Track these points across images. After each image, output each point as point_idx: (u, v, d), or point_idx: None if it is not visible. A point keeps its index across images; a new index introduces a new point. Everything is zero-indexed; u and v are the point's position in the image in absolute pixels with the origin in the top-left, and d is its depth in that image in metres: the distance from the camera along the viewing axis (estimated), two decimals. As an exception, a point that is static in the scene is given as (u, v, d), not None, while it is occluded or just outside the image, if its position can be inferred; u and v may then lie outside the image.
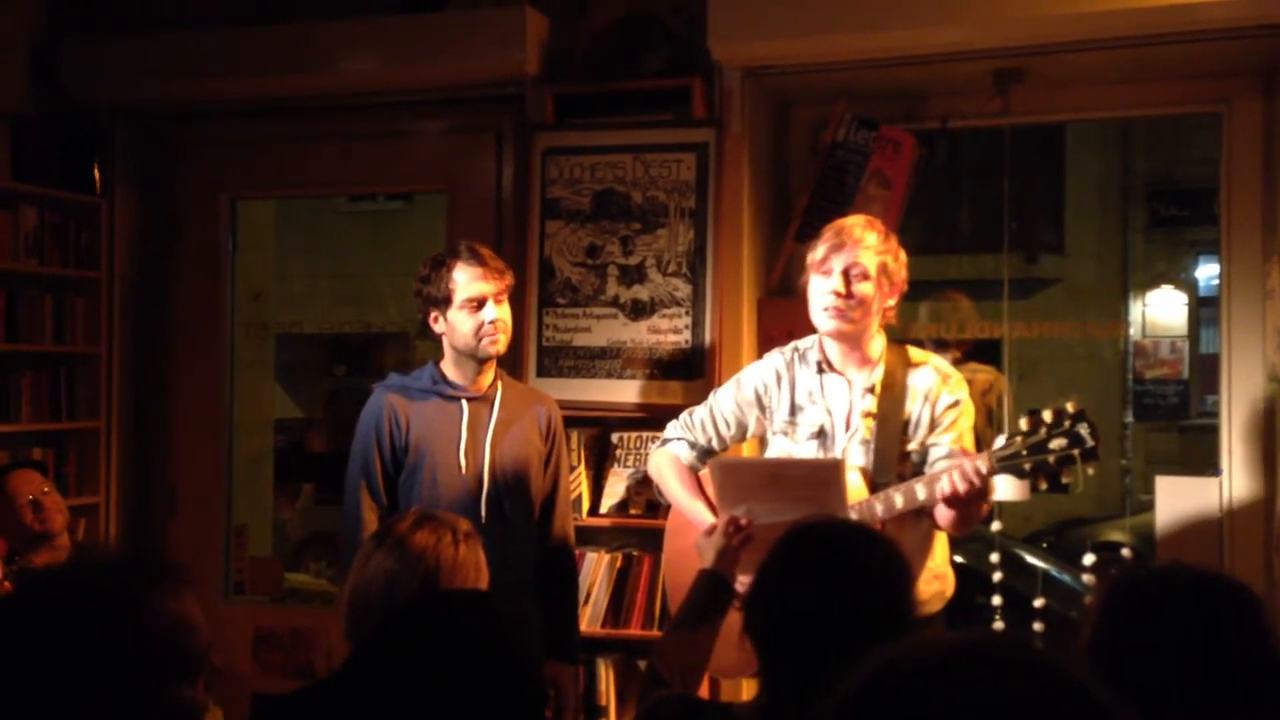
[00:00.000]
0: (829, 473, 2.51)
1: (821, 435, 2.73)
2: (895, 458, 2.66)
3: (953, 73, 3.46)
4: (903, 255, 2.70)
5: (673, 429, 2.96)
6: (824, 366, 2.75)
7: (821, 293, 2.65)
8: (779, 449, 2.79)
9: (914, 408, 2.68)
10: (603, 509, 3.53)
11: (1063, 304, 9.93)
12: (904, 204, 3.47)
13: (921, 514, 2.58)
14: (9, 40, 4.10)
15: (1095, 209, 10.71)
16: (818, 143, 3.60)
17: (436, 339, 2.98)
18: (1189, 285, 10.82)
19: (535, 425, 3.01)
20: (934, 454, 2.67)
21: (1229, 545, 3.36)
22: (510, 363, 3.37)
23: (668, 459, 2.91)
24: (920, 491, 2.50)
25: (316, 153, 4.22)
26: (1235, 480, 3.38)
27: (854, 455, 2.67)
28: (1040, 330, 3.92)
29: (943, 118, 3.60)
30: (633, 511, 3.50)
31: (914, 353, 2.76)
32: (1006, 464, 2.42)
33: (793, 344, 2.85)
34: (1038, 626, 3.50)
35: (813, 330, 2.76)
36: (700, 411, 2.92)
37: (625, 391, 3.52)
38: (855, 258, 2.61)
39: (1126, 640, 1.53)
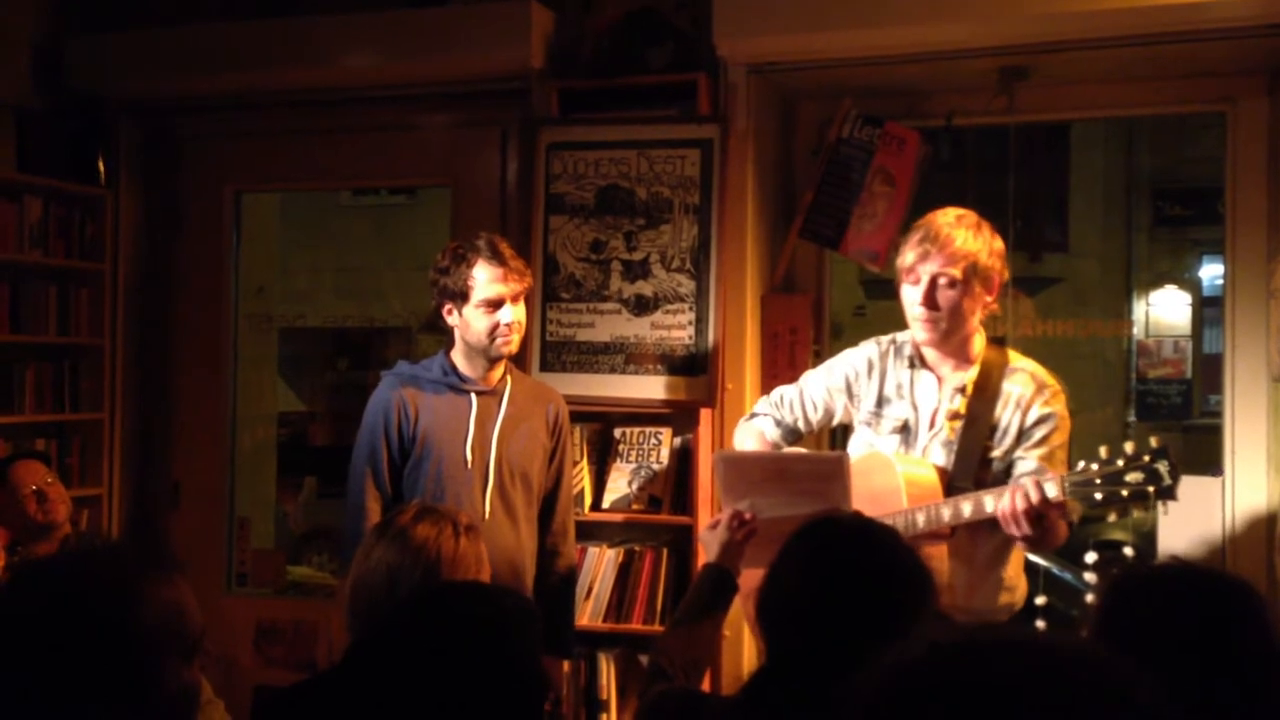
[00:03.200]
0: (833, 467, 2.50)
1: (905, 430, 2.66)
2: (977, 462, 2.56)
3: (958, 70, 3.46)
4: (998, 245, 2.60)
5: (762, 405, 2.93)
6: (916, 361, 2.67)
7: (911, 303, 2.57)
8: (863, 439, 2.73)
9: (1004, 414, 2.57)
10: (605, 504, 3.53)
11: (1066, 302, 9.92)
12: (908, 201, 3.47)
13: (996, 525, 2.46)
14: (14, 34, 4.11)
15: (1099, 207, 10.70)
16: (821, 141, 3.59)
17: (448, 330, 2.98)
18: (1193, 284, 10.81)
19: (543, 421, 3.02)
20: (1019, 469, 2.55)
21: (1231, 544, 3.36)
22: (514, 358, 3.37)
23: (754, 433, 2.88)
24: (989, 503, 2.40)
25: (320, 146, 4.21)
26: (1238, 480, 3.38)
27: (934, 455, 2.60)
28: (1043, 329, 3.92)
29: (947, 115, 3.59)
30: (635, 507, 3.50)
31: (1014, 356, 2.66)
32: (1078, 489, 2.32)
33: (891, 335, 2.77)
34: (1039, 624, 3.49)
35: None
36: (790, 392, 2.88)
37: (628, 387, 3.52)
38: (940, 267, 2.52)
39: (1129, 638, 1.53)
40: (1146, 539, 4.19)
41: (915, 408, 2.66)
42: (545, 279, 3.61)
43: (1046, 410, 2.57)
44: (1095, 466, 2.31)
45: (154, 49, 4.03)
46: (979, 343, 2.65)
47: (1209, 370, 10.02)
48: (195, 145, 4.35)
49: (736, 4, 3.39)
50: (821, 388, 2.82)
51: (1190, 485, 3.44)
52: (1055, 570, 5.56)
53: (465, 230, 3.51)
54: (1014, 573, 2.68)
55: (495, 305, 2.86)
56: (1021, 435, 2.57)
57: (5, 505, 3.47)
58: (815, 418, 2.85)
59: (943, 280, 2.52)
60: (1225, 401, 3.48)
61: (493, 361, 2.94)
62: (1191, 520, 3.38)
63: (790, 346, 3.50)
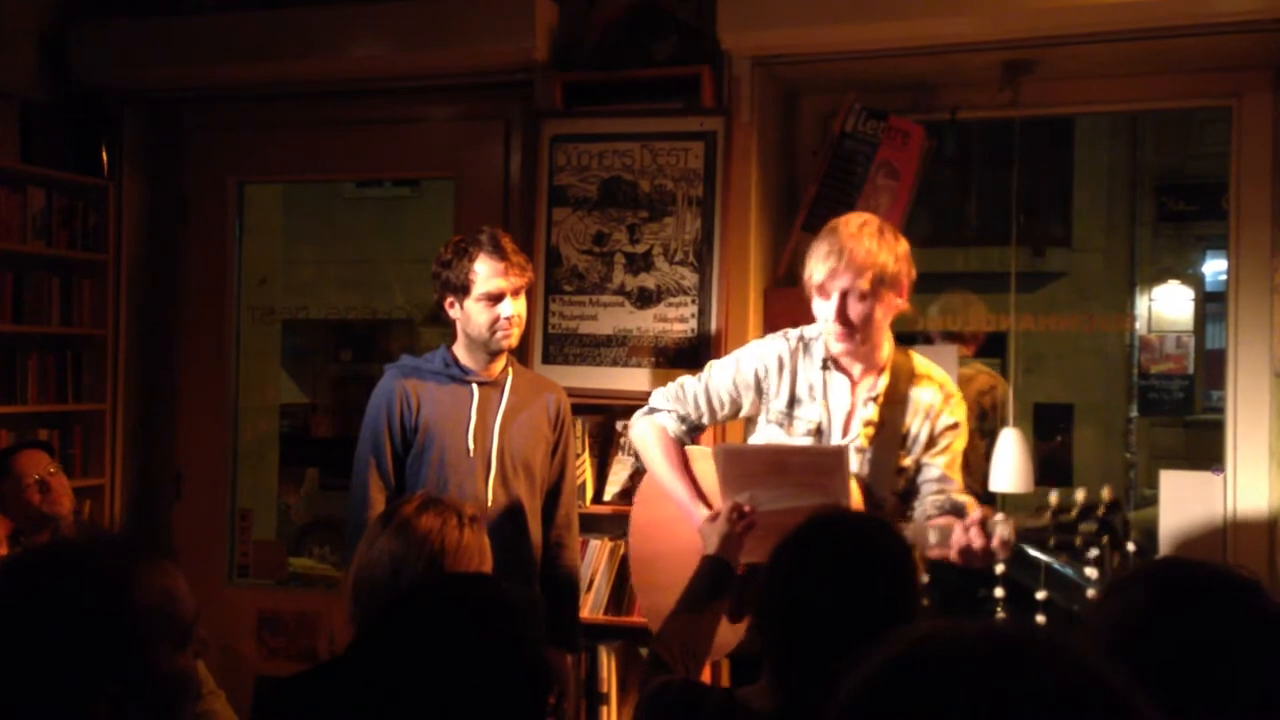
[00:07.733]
0: (833, 460, 2.49)
1: (818, 433, 2.68)
2: (892, 470, 2.63)
3: (962, 64, 3.45)
4: (903, 248, 2.61)
5: (661, 399, 2.86)
6: (829, 363, 2.69)
7: (825, 318, 2.60)
8: (770, 439, 2.74)
9: (914, 423, 2.64)
10: (606, 497, 3.53)
11: (1069, 298, 9.93)
12: (912, 195, 3.47)
13: None
14: (19, 24, 4.11)
15: (1103, 202, 10.70)
16: (824, 135, 3.59)
17: (450, 323, 2.99)
18: (1196, 280, 10.80)
19: (544, 412, 3.02)
20: (925, 474, 2.64)
21: (1233, 540, 3.36)
22: (516, 350, 3.37)
23: (654, 429, 2.82)
24: (932, 536, 2.45)
25: (324, 138, 4.22)
26: (1240, 475, 3.38)
27: (849, 462, 2.61)
28: (1046, 324, 3.92)
29: (952, 109, 3.59)
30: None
31: (918, 363, 2.71)
32: (1031, 534, 2.38)
33: (799, 330, 2.77)
34: (1040, 619, 3.50)
35: (811, 320, 2.72)
36: (694, 385, 2.82)
37: (631, 380, 3.52)
38: (851, 282, 2.53)
39: (1131, 633, 1.52)
40: (1148, 535, 4.19)
41: (829, 411, 2.68)
42: (548, 271, 3.61)
43: (952, 419, 2.66)
44: (1048, 515, 2.35)
45: (158, 40, 4.03)
46: (888, 346, 2.69)
47: (1211, 366, 10.02)
48: (198, 136, 4.35)
49: (741, -3, 3.39)
50: (729, 381, 2.78)
51: (1192, 480, 3.45)
52: (1056, 566, 5.57)
53: (468, 222, 3.52)
54: None
55: (496, 299, 2.87)
56: (931, 443, 2.65)
57: (9, 495, 3.47)
58: (721, 412, 2.83)
59: (853, 295, 2.55)
60: (1228, 397, 3.47)
61: (493, 355, 2.96)
62: (1193, 516, 3.39)
63: (793, 340, 3.49)
